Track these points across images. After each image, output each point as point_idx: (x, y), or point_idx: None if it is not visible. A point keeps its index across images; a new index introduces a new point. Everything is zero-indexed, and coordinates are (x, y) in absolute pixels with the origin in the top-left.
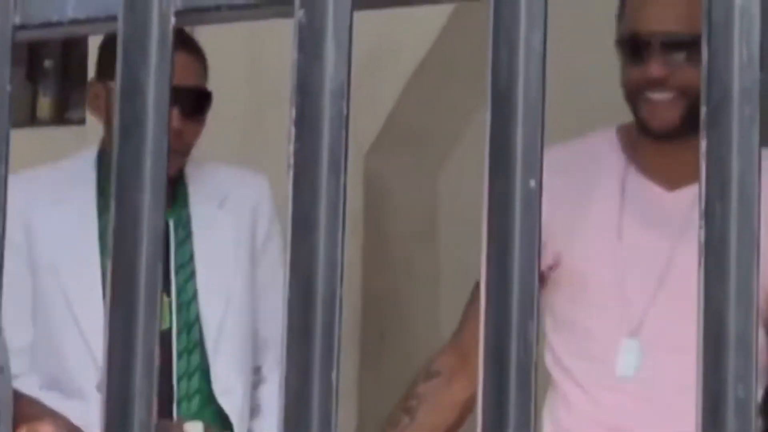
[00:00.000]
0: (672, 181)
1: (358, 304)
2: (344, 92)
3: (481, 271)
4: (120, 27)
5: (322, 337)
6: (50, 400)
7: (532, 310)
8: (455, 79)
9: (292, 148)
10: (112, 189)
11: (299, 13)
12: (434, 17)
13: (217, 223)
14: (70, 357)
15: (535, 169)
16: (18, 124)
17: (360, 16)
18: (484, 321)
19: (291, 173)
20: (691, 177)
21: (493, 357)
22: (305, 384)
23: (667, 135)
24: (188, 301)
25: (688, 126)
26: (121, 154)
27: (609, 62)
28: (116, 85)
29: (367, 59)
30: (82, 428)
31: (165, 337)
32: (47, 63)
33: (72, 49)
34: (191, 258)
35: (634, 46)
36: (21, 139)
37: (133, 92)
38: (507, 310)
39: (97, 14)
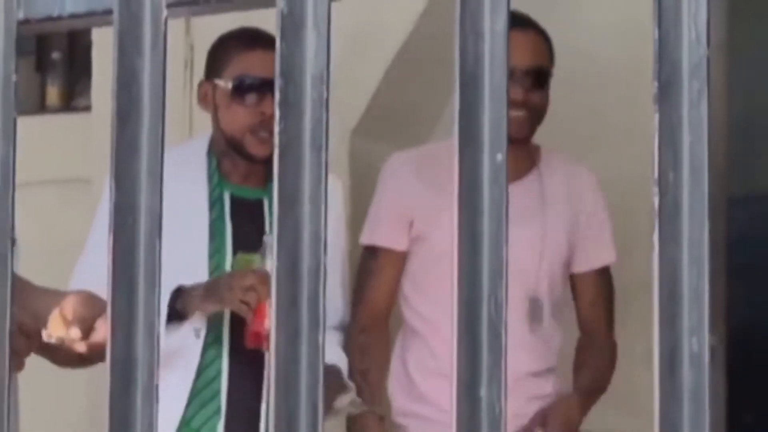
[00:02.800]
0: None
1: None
2: (324, 77)
3: (454, 238)
4: (115, 20)
5: (308, 304)
6: None
7: (501, 273)
8: (435, 61)
9: (276, 128)
10: (111, 170)
11: (281, 3)
12: (414, 2)
13: None
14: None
15: (502, 144)
16: (29, 111)
17: (343, 2)
18: (457, 284)
19: (276, 152)
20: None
21: (466, 318)
22: (294, 346)
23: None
24: None
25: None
26: (118, 139)
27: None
28: (113, 74)
29: (352, 43)
30: None
31: None
32: (54, 55)
33: (77, 42)
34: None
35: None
36: (31, 125)
37: (129, 81)
38: (478, 273)
39: (94, 8)
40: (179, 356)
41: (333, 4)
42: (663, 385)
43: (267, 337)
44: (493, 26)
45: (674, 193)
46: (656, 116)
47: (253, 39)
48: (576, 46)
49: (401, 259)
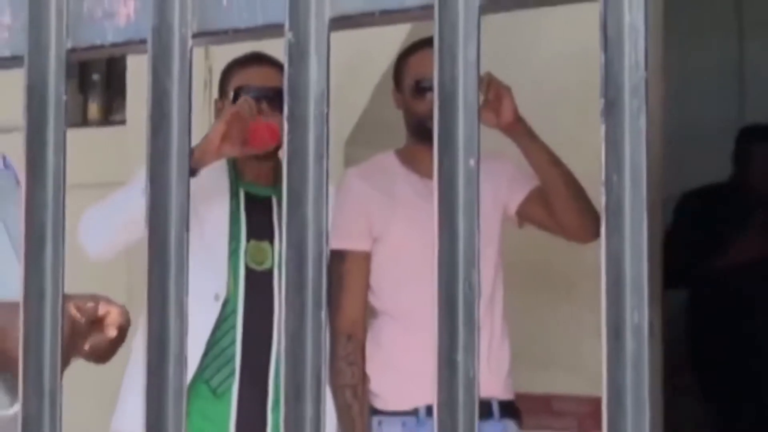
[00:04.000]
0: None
1: None
2: (324, 96)
3: (435, 232)
4: (149, 48)
5: (313, 287)
6: None
7: (474, 261)
8: None
9: (285, 139)
10: (147, 174)
11: (288, 35)
12: (398, 31)
13: None
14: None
15: (474, 151)
16: (72, 124)
17: (337, 33)
18: (438, 271)
19: (285, 160)
20: None
21: (446, 297)
22: (301, 324)
23: None
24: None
25: None
26: (152, 147)
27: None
28: (147, 92)
29: (345, 66)
30: None
31: (268, 275)
32: (95, 76)
33: (114, 66)
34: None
35: (419, 89)
36: (75, 136)
37: (161, 98)
38: (455, 261)
39: (132, 38)
40: (195, 315)
41: (331, 35)
42: (609, 353)
43: (268, 131)
44: (466, 54)
45: (618, 193)
46: (603, 128)
47: (248, 59)
48: (536, 67)
49: (367, 259)
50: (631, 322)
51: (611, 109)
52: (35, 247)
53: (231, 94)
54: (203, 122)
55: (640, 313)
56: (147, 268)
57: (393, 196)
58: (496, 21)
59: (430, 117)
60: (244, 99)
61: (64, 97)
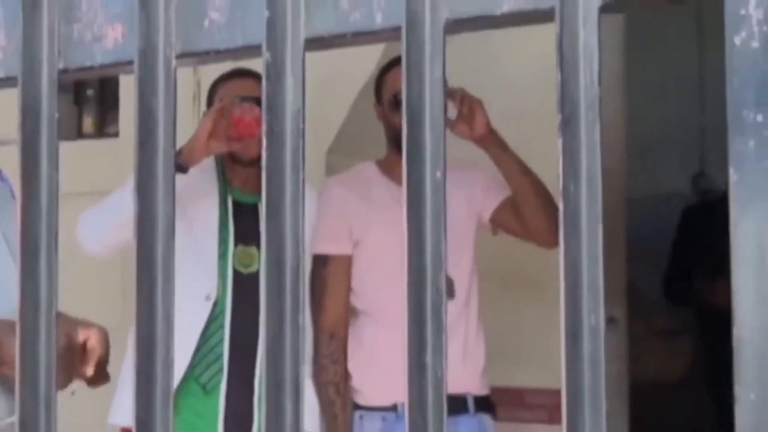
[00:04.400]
0: None
1: None
2: (300, 112)
3: (404, 239)
4: (135, 69)
5: (291, 292)
6: None
7: (441, 266)
8: None
9: (264, 153)
10: (135, 185)
11: (266, 54)
12: (373, 50)
13: None
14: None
15: (440, 164)
16: (69, 137)
17: (319, 52)
18: (407, 275)
19: (264, 171)
20: None
21: (415, 301)
22: (280, 326)
23: None
24: None
25: None
26: (140, 160)
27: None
28: (134, 110)
29: (326, 81)
30: None
31: (254, 278)
32: (89, 92)
33: (108, 81)
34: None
35: (396, 102)
36: (71, 148)
37: (146, 116)
38: (423, 267)
39: (119, 60)
40: (187, 314)
41: (309, 55)
42: (568, 354)
43: (252, 117)
44: (432, 72)
45: (575, 202)
46: (560, 141)
47: (231, 73)
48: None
49: (348, 262)
50: (588, 324)
51: (568, 124)
52: (30, 258)
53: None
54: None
55: (596, 316)
56: (135, 274)
57: (371, 202)
58: (464, 38)
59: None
60: (228, 99)
61: (57, 115)
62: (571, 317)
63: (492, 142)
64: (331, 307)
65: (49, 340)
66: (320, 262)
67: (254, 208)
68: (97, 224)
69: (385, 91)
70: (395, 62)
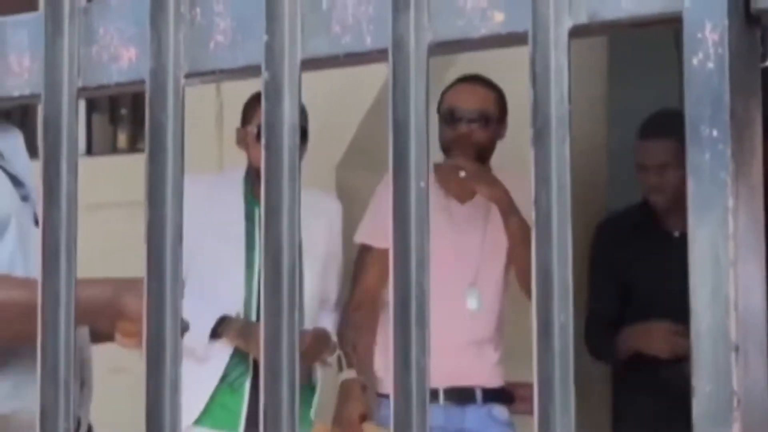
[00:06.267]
0: (465, 195)
1: None
2: (296, 128)
3: (390, 243)
4: (147, 87)
5: (288, 293)
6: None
7: (424, 268)
8: None
9: (263, 164)
10: (146, 196)
11: (265, 74)
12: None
13: (313, 223)
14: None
15: (423, 174)
16: (103, 152)
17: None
18: (393, 277)
19: (263, 181)
20: (471, 194)
21: (401, 299)
22: (277, 324)
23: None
24: None
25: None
26: (151, 171)
27: None
28: (146, 125)
29: (336, 97)
30: None
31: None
32: (123, 110)
33: (140, 100)
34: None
35: (449, 117)
36: (106, 163)
37: (157, 130)
38: (407, 269)
39: (133, 79)
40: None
41: (319, 72)
42: (539, 349)
43: None
44: (417, 90)
45: (546, 208)
46: (532, 152)
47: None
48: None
49: (386, 255)
50: (558, 321)
51: (540, 137)
52: (51, 261)
53: (254, 129)
54: (214, 150)
55: (566, 314)
56: (146, 278)
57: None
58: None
59: (454, 144)
60: None
61: (76, 131)
62: (543, 315)
63: (503, 207)
64: (364, 286)
65: (68, 333)
66: (363, 250)
67: None
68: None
69: (443, 105)
70: (456, 82)
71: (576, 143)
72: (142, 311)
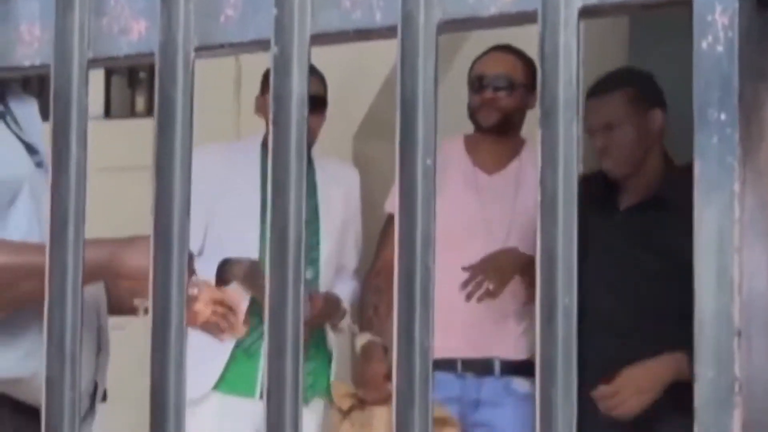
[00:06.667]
0: (493, 166)
1: None
2: (304, 102)
3: (395, 219)
4: (156, 60)
5: (293, 264)
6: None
7: (429, 245)
8: None
9: (270, 138)
10: (153, 169)
11: (274, 48)
12: None
13: (332, 192)
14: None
15: (431, 151)
16: (122, 115)
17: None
18: (398, 256)
19: (270, 155)
20: (500, 165)
21: (405, 278)
22: (282, 295)
23: (498, 134)
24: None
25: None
26: (159, 146)
27: None
28: (155, 98)
29: (352, 68)
30: None
31: None
32: (141, 74)
33: None
34: (316, 209)
35: (477, 83)
36: (125, 126)
37: (166, 104)
38: (413, 246)
39: (142, 51)
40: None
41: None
42: (543, 331)
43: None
44: (426, 68)
45: (552, 191)
46: (540, 132)
47: None
48: None
49: None
50: (562, 304)
51: (547, 118)
52: (59, 227)
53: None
54: (232, 116)
55: (570, 297)
56: (152, 250)
57: (443, 179)
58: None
59: (479, 110)
60: None
61: (86, 100)
62: (547, 297)
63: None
64: (386, 253)
65: (75, 302)
66: (389, 219)
67: None
68: None
69: (471, 72)
70: (488, 50)
71: None
72: (140, 268)
